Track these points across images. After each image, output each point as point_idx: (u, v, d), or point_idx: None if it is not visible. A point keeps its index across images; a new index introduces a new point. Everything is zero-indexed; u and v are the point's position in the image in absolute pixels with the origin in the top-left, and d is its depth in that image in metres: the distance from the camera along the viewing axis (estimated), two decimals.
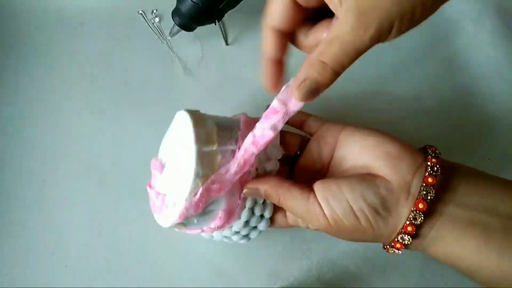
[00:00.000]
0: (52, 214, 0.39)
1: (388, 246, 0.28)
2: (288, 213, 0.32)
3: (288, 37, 0.27)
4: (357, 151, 0.29)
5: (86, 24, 0.44)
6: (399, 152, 0.27)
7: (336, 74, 0.24)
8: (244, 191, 0.29)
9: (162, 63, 0.43)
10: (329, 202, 0.27)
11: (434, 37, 0.43)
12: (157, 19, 0.43)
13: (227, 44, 0.43)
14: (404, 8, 0.21)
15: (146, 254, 0.38)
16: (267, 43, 0.26)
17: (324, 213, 0.27)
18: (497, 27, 0.43)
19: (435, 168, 0.26)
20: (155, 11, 0.44)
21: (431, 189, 0.26)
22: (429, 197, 0.26)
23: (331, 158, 0.31)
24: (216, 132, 0.28)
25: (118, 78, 0.42)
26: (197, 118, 0.29)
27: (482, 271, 0.26)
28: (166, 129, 0.32)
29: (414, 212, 0.26)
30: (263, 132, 0.28)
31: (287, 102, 0.27)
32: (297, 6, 0.24)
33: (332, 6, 0.23)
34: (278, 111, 0.27)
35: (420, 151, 0.28)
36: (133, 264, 0.38)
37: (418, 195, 0.26)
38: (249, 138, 0.28)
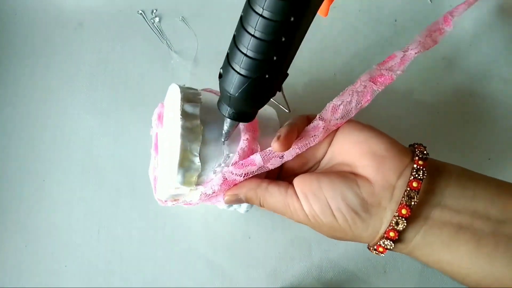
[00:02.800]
0: (52, 214, 0.39)
1: (371, 248, 0.28)
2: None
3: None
4: (345, 147, 0.28)
5: (85, 24, 0.44)
6: (385, 152, 0.26)
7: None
8: (225, 198, 0.30)
9: (162, 63, 0.43)
10: (307, 197, 0.26)
11: None
12: (157, 19, 0.43)
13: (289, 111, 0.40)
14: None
15: (146, 254, 0.38)
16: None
17: (302, 208, 0.27)
18: (497, 27, 0.43)
19: (421, 171, 0.25)
20: (155, 11, 0.44)
21: (415, 194, 0.25)
22: (412, 203, 0.24)
23: (325, 154, 0.30)
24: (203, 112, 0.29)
25: (118, 78, 0.42)
26: (187, 94, 0.30)
27: (472, 277, 0.25)
28: None
29: (397, 217, 0.25)
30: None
31: (328, 119, 0.28)
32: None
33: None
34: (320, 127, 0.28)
35: (408, 150, 0.27)
36: (132, 264, 0.38)
37: (402, 200, 0.25)
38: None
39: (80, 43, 0.43)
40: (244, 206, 0.32)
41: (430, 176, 0.26)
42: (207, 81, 0.42)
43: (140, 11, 0.44)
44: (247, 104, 0.24)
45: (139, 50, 0.43)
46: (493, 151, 0.40)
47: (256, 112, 0.26)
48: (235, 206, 0.32)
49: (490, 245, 0.24)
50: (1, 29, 0.44)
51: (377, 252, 0.27)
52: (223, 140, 0.28)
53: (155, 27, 0.43)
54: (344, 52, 0.42)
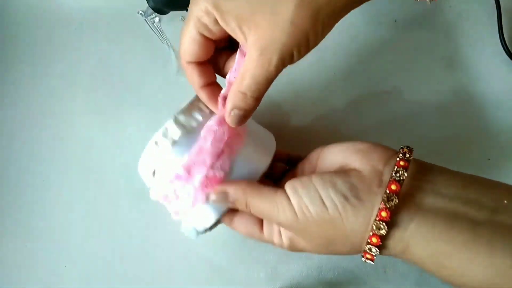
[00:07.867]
0: (52, 214, 0.39)
1: (366, 247, 0.26)
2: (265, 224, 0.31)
3: (208, 64, 0.29)
4: (332, 156, 0.29)
5: (85, 24, 0.44)
6: (370, 147, 0.28)
7: (257, 99, 0.27)
8: (211, 195, 0.29)
9: (162, 63, 0.43)
10: (297, 191, 0.27)
11: (434, 37, 0.43)
12: (157, 19, 0.43)
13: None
14: (299, 39, 0.24)
15: (146, 254, 0.38)
16: (191, 76, 0.29)
17: (290, 202, 0.26)
18: (497, 27, 0.43)
19: (407, 155, 0.26)
20: None
21: (403, 171, 0.25)
22: (401, 178, 0.25)
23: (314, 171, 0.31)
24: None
25: (118, 78, 0.42)
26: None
27: (472, 270, 0.24)
28: None
29: (387, 194, 0.25)
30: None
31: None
32: (206, 39, 0.27)
33: (240, 42, 0.26)
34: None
35: (392, 149, 0.28)
36: (132, 264, 0.38)
37: (391, 177, 0.25)
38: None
39: (80, 43, 0.43)
40: (200, 227, 0.31)
41: (419, 167, 0.27)
42: None
43: (140, 11, 0.44)
44: (164, 6, 0.39)
45: (139, 50, 0.43)
46: (493, 151, 0.40)
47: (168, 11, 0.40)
48: (187, 229, 0.31)
49: (487, 234, 0.24)
50: (1, 29, 0.44)
51: (371, 246, 0.26)
52: (142, 12, 0.41)
53: (155, 27, 0.43)
54: (344, 52, 0.42)
